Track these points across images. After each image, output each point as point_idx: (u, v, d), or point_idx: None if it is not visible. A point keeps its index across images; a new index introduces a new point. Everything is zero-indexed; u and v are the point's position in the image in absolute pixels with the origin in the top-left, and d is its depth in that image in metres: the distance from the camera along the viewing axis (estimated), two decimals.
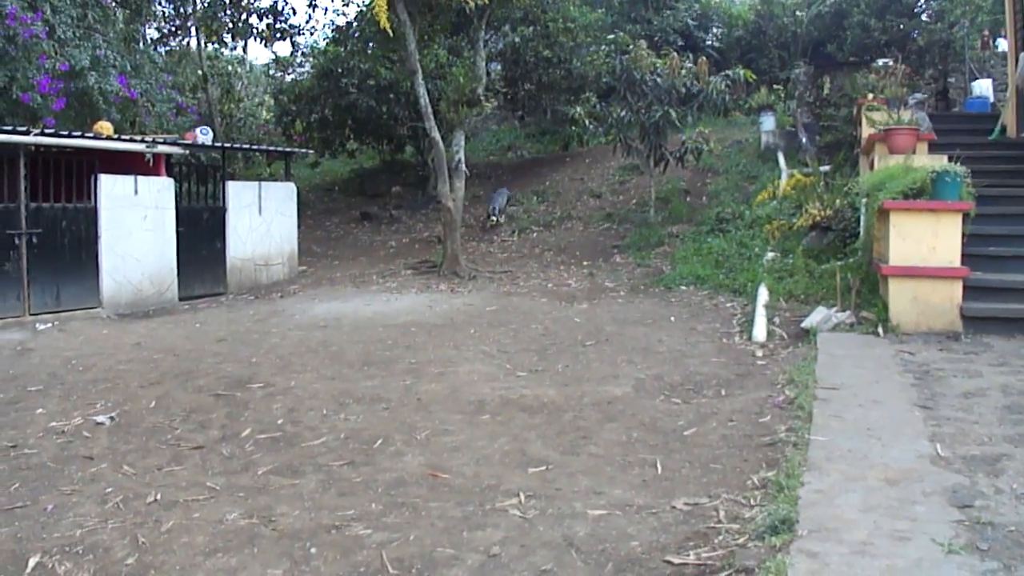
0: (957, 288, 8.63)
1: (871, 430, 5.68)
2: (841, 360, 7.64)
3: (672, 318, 10.58)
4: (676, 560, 4.26)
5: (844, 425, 5.80)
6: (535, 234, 17.98)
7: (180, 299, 13.30)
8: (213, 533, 4.88)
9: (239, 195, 14.52)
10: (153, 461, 6.13)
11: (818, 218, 12.72)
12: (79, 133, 12.76)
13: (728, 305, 11.17)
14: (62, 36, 14.64)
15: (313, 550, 4.63)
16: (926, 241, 8.67)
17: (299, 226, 16.33)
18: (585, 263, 15.31)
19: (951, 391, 6.62)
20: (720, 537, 4.43)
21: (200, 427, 6.85)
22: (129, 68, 16.48)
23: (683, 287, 12.52)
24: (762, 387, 7.30)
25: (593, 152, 21.84)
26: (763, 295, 10.69)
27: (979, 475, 4.85)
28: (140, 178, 12.94)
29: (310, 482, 5.63)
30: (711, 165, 18.90)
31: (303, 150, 19.79)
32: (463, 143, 15.39)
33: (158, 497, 5.42)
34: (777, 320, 9.84)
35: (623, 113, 16.10)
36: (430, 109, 15.04)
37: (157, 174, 13.26)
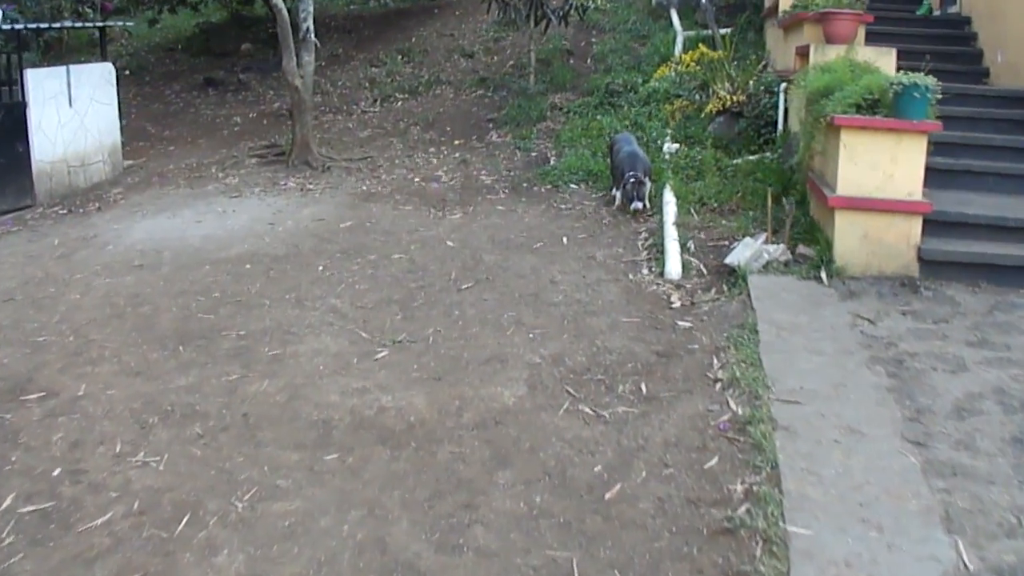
0: (916, 226, 7.03)
1: (864, 506, 4.12)
2: (789, 338, 6.03)
3: (565, 239, 8.81)
4: None
5: (826, 495, 4.22)
6: (400, 103, 15.74)
7: None
8: None
9: (42, 85, 11.60)
10: None
11: (728, 103, 10.96)
12: None
13: (629, 215, 9.45)
14: None
15: None
16: (882, 167, 6.99)
17: (135, 98, 13.68)
18: (457, 142, 13.31)
19: (939, 406, 5.09)
20: None
21: None
22: None
23: (572, 185, 10.70)
24: (694, 383, 5.64)
25: (464, 2, 19.42)
26: (671, 207, 9.00)
27: None
28: None
29: None
30: (596, 21, 16.80)
31: (119, 22, 16.50)
32: (312, 9, 12.83)
33: None
34: (692, 246, 8.20)
35: None
36: None
37: None
